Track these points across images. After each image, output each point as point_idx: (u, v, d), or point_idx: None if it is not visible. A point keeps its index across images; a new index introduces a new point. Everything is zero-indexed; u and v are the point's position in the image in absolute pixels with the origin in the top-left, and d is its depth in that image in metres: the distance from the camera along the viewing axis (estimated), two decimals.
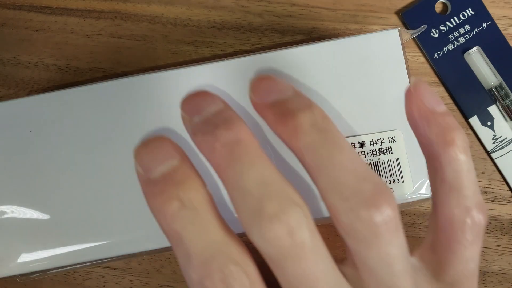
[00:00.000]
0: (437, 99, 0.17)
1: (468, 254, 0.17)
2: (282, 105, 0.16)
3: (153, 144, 0.16)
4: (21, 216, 0.22)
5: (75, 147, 0.22)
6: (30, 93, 0.27)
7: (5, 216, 0.22)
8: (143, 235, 0.22)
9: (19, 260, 0.22)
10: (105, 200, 0.22)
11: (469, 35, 0.27)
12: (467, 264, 0.17)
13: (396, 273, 0.15)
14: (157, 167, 0.16)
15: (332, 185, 0.15)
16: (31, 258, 0.22)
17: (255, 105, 0.17)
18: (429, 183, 0.23)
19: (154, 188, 0.15)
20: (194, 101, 0.16)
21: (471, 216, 0.16)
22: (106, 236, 0.22)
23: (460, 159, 0.16)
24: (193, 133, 0.16)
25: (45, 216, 0.22)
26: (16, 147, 0.22)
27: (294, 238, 0.14)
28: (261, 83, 0.17)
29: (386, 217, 0.14)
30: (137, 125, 0.22)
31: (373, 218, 0.14)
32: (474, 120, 0.27)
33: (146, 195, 0.16)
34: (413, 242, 0.26)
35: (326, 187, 0.15)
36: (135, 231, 0.22)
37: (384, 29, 0.28)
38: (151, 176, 0.16)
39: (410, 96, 0.17)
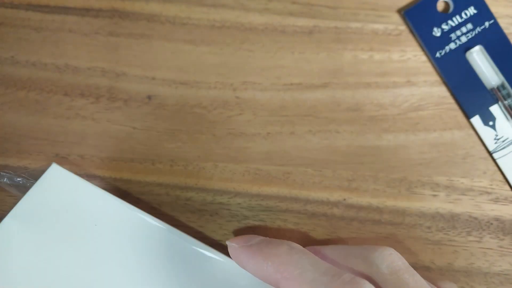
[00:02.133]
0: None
1: None
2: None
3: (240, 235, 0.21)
4: None
5: (121, 269, 0.22)
6: (28, 92, 0.27)
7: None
8: None
9: None
10: None
11: (471, 34, 0.27)
12: None
13: None
14: (251, 241, 0.20)
15: None
16: None
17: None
18: None
19: (251, 249, 0.20)
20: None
21: None
22: None
23: None
24: None
25: None
26: (75, 231, 0.22)
27: (403, 261, 0.20)
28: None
29: None
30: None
31: None
32: (476, 120, 0.27)
33: (245, 259, 0.20)
34: (414, 243, 0.26)
35: None
36: None
37: (386, 28, 0.27)
38: (246, 244, 0.20)
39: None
